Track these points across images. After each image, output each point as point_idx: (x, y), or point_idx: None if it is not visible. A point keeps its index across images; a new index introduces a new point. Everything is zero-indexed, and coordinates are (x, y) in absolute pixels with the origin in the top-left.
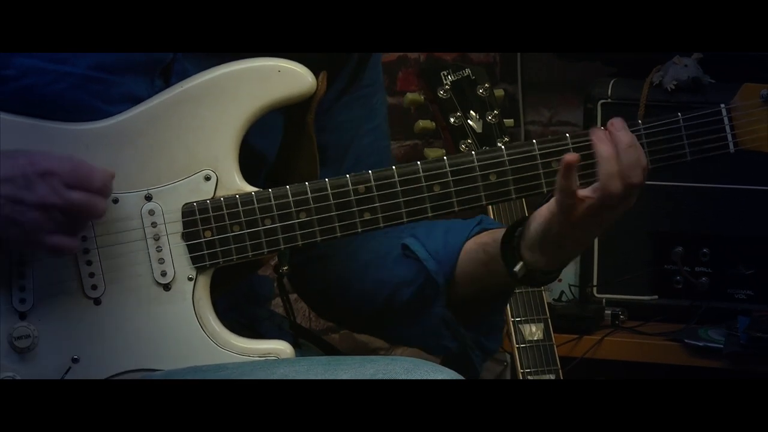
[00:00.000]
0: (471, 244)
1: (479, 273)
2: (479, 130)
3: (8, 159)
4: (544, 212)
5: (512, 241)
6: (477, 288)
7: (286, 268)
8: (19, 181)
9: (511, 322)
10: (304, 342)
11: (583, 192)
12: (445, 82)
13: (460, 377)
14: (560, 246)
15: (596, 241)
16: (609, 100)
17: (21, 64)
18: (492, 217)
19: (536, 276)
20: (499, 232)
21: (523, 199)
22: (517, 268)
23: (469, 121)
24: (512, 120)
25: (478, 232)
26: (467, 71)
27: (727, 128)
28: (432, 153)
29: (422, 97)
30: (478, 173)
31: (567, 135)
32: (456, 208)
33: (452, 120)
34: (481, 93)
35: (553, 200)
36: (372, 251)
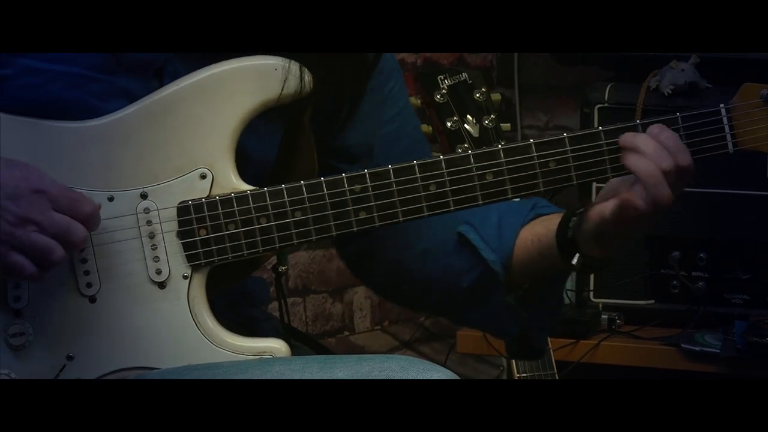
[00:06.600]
0: (525, 233)
1: (535, 261)
2: (476, 135)
3: (5, 168)
4: (598, 214)
5: (567, 233)
6: (534, 273)
7: (285, 267)
8: (8, 191)
9: None
10: (299, 345)
11: (637, 202)
12: (441, 86)
13: (455, 376)
14: (617, 239)
15: None
16: (606, 105)
17: (18, 63)
18: None
19: (594, 264)
20: (552, 221)
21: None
22: (574, 261)
23: (465, 125)
24: (509, 124)
25: (533, 218)
26: (464, 75)
27: (726, 128)
28: None
29: (419, 101)
30: (475, 173)
31: (564, 135)
32: (452, 208)
33: (449, 124)
34: (478, 97)
35: (607, 204)
36: (428, 240)
